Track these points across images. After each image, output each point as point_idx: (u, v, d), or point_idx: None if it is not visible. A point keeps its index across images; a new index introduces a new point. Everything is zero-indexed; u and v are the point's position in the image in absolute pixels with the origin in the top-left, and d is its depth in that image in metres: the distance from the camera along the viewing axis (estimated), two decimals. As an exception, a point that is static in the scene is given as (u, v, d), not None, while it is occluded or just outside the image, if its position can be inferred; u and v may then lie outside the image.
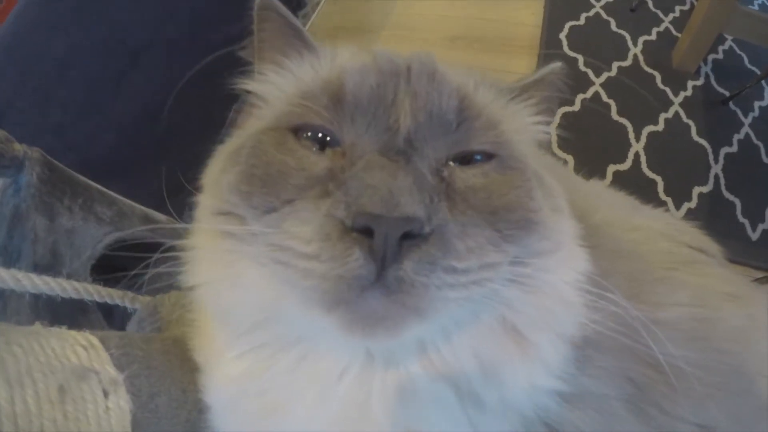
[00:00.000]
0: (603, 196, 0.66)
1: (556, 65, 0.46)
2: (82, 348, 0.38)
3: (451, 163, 0.37)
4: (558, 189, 0.43)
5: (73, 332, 0.40)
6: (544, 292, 0.37)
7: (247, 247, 0.35)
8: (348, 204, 0.30)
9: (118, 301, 0.64)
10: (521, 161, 0.39)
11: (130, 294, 0.67)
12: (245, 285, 0.36)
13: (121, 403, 0.38)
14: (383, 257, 0.29)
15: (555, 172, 0.46)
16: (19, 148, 0.71)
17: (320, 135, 0.37)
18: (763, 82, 1.75)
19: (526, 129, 0.44)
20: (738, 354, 0.47)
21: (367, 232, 0.29)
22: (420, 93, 0.37)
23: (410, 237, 0.29)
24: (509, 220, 0.35)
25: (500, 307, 0.35)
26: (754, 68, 1.81)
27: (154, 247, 0.90)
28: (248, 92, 0.48)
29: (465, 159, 0.37)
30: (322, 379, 0.37)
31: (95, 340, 0.40)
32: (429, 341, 0.36)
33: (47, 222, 0.74)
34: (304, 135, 0.37)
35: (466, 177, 0.36)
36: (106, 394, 0.37)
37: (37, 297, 0.58)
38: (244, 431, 0.40)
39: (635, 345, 0.37)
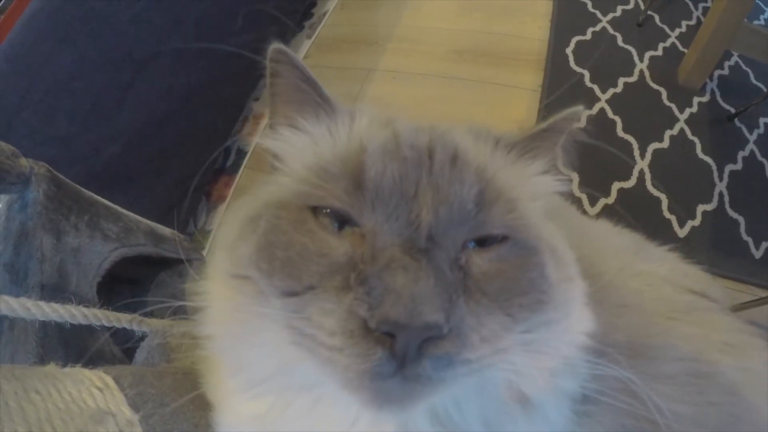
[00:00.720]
0: (609, 240, 0.66)
1: (572, 113, 0.46)
2: (97, 390, 0.40)
3: (468, 245, 0.37)
4: (569, 255, 0.43)
5: (87, 372, 0.42)
6: (548, 355, 0.38)
7: (264, 309, 0.36)
8: (371, 306, 0.31)
9: (126, 325, 0.66)
10: (536, 240, 0.39)
11: (138, 317, 0.68)
12: (262, 342, 0.37)
13: None
14: (404, 356, 0.31)
15: (563, 218, 0.47)
16: (25, 163, 0.72)
17: (341, 215, 0.38)
18: None
19: (537, 194, 0.44)
20: (732, 406, 0.48)
21: (389, 334, 0.31)
22: (442, 186, 0.37)
23: (430, 338, 0.31)
24: (522, 304, 0.36)
25: (507, 373, 0.37)
26: (759, 84, 1.81)
27: (159, 260, 0.91)
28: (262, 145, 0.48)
29: (483, 240, 0.38)
30: (336, 424, 0.38)
31: (110, 381, 0.42)
32: (440, 407, 0.38)
33: (54, 241, 0.74)
34: (324, 212, 0.38)
35: (482, 263, 0.36)
36: (123, 411, 0.40)
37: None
38: None
39: (633, 405, 0.39)
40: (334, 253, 0.35)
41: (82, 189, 0.83)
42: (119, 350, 0.75)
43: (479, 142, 0.43)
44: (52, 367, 0.40)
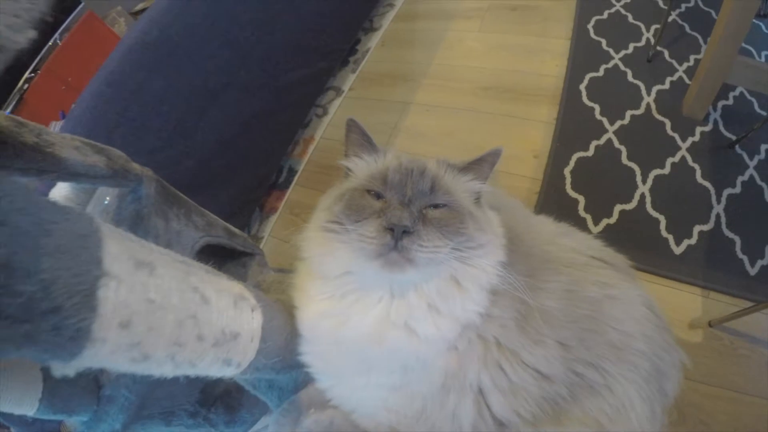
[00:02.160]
0: (542, 227, 0.92)
1: (495, 151, 0.78)
2: (238, 285, 0.72)
3: (428, 208, 0.70)
4: (491, 220, 0.77)
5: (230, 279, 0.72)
6: (473, 266, 0.70)
7: (339, 236, 0.70)
8: (387, 221, 0.65)
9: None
10: (460, 206, 0.72)
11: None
12: (336, 255, 0.70)
13: (257, 317, 0.70)
14: (397, 238, 0.64)
15: (508, 209, 0.83)
16: (137, 167, 0.90)
17: (377, 193, 0.72)
18: None
19: (466, 189, 0.77)
20: (590, 312, 0.75)
21: (392, 230, 0.64)
22: (415, 181, 0.72)
23: (406, 232, 0.64)
24: (449, 230, 0.68)
25: (450, 269, 0.69)
26: (763, 113, 1.91)
27: (226, 252, 1.12)
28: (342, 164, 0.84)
29: (434, 206, 0.71)
30: (367, 307, 0.71)
31: (242, 284, 0.73)
32: (418, 284, 0.70)
33: (164, 224, 0.93)
34: (371, 192, 0.72)
35: (433, 214, 0.70)
36: (252, 310, 0.70)
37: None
38: (321, 339, 0.74)
39: (525, 297, 0.70)
40: (375, 207, 0.70)
41: (176, 190, 1.01)
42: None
43: (439, 165, 0.77)
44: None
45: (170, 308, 0.55)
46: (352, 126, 0.79)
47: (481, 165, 0.77)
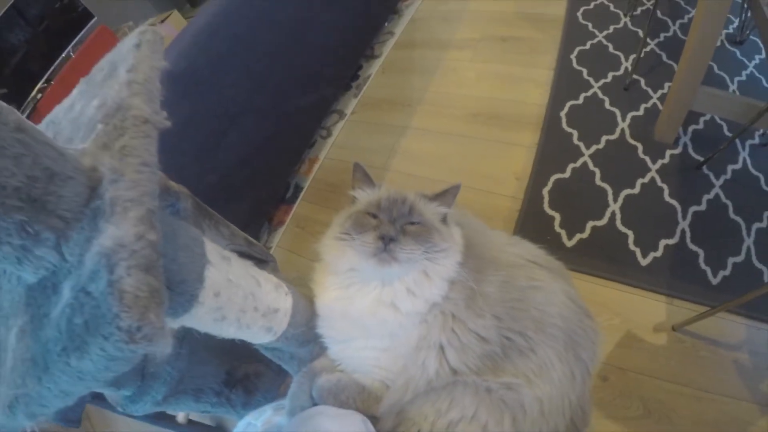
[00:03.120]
0: (495, 237, 1.13)
1: (456, 185, 1.01)
2: (275, 278, 0.97)
3: (407, 224, 0.94)
4: (454, 233, 0.99)
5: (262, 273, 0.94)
6: (438, 264, 0.93)
7: (348, 243, 0.94)
8: (380, 232, 0.90)
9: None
10: (430, 224, 0.95)
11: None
12: (345, 256, 0.94)
13: (289, 299, 0.96)
14: (386, 244, 0.89)
15: (470, 226, 1.06)
16: (173, 184, 0.99)
17: (373, 214, 0.95)
18: (738, 146, 1.97)
19: (433, 212, 0.99)
20: (519, 295, 0.97)
21: (383, 238, 0.89)
22: (399, 207, 0.96)
23: (393, 240, 0.89)
24: (422, 240, 0.92)
25: (421, 266, 0.92)
26: (731, 135, 2.01)
27: (247, 258, 1.27)
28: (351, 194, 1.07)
29: (411, 223, 0.94)
30: (366, 292, 0.94)
31: (277, 278, 0.98)
32: (400, 276, 0.93)
33: (201, 233, 0.98)
34: (369, 214, 0.96)
35: (410, 228, 0.93)
36: (286, 294, 0.96)
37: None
38: (334, 315, 0.97)
39: (471, 285, 0.93)
40: (372, 223, 0.94)
41: (205, 205, 1.13)
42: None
43: (416, 196, 1.00)
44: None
45: (240, 286, 0.82)
46: (357, 168, 1.06)
47: (446, 195, 1.02)
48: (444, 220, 1.01)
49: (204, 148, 1.77)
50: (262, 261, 1.30)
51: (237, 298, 0.80)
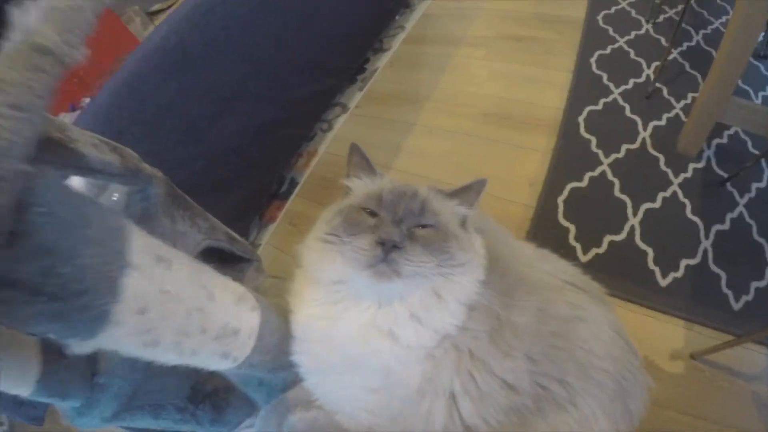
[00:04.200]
0: (521, 249, 0.98)
1: (480, 181, 0.84)
2: (243, 288, 0.80)
3: (416, 227, 0.76)
4: (474, 242, 0.83)
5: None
6: (455, 282, 0.76)
7: (336, 247, 0.76)
8: (379, 236, 0.71)
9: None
10: (445, 228, 0.78)
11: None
12: (332, 263, 0.77)
13: (255, 317, 0.77)
14: (387, 252, 0.70)
15: (492, 234, 0.88)
16: (147, 166, 0.91)
17: (372, 211, 0.78)
18: (763, 164, 1.87)
19: (451, 213, 0.82)
20: (560, 329, 0.80)
21: (383, 244, 0.70)
22: (406, 203, 0.78)
23: (395, 247, 0.70)
24: (434, 248, 0.74)
25: (432, 283, 0.75)
26: (756, 152, 1.93)
27: (229, 256, 1.15)
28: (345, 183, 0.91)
29: (422, 225, 0.77)
30: (356, 313, 0.77)
31: (245, 287, 0.80)
32: (403, 294, 0.76)
33: (170, 224, 0.96)
34: (366, 210, 0.79)
35: (420, 232, 0.76)
36: (252, 309, 0.77)
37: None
38: (312, 338, 0.80)
39: (498, 313, 0.77)
40: (369, 223, 0.76)
41: (182, 192, 1.04)
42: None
43: (429, 190, 0.83)
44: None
45: (181, 300, 0.62)
46: (354, 150, 0.88)
47: (468, 192, 0.84)
48: (464, 224, 0.83)
49: (190, 131, 1.65)
50: (245, 260, 1.18)
51: (176, 316, 0.62)
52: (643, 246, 1.72)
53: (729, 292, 1.59)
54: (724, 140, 2.00)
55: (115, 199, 0.97)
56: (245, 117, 1.84)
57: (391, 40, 2.84)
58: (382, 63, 2.72)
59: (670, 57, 2.33)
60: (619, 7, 2.69)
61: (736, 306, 1.57)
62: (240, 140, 1.83)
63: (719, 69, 1.70)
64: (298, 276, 0.86)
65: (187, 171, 1.61)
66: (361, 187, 0.86)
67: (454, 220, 0.82)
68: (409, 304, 0.75)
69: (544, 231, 1.81)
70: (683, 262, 1.66)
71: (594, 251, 1.73)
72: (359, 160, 0.87)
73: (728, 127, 2.02)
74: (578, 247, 1.74)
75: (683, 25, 2.47)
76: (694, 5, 2.60)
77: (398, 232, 0.72)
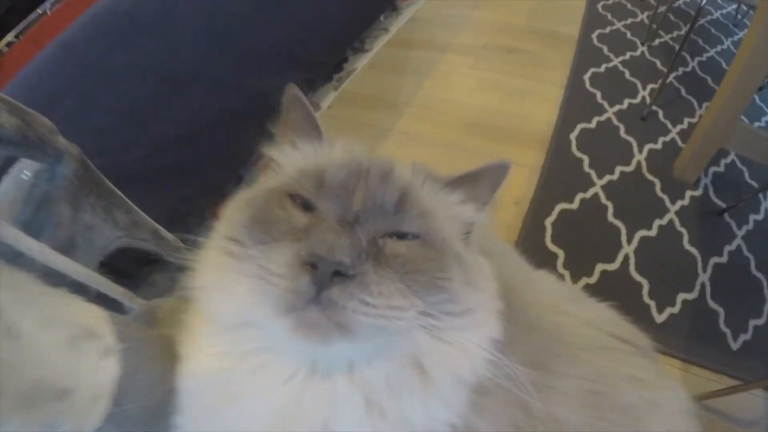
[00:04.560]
0: (546, 285, 0.73)
1: (500, 164, 0.56)
2: (93, 315, 0.47)
3: (388, 237, 0.47)
4: (482, 269, 0.53)
5: (87, 303, 0.48)
6: (451, 343, 0.46)
7: (241, 265, 0.46)
8: (308, 248, 0.41)
9: (118, 297, 0.72)
10: (442, 243, 0.49)
11: (130, 293, 0.75)
12: (233, 293, 0.47)
13: (110, 367, 0.45)
14: (322, 283, 0.40)
15: (503, 256, 0.62)
16: (62, 141, 0.77)
17: (305, 200, 0.49)
18: (760, 196, 1.82)
19: (454, 215, 0.54)
20: (625, 427, 0.54)
21: (314, 266, 0.40)
22: (371, 190, 0.48)
23: (340, 274, 0.41)
24: (418, 281, 0.44)
25: (411, 345, 0.45)
26: (753, 183, 1.88)
27: (155, 260, 0.97)
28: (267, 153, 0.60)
29: (401, 235, 0.48)
30: (273, 382, 0.47)
31: (104, 314, 0.48)
32: (356, 362, 0.46)
33: (72, 212, 0.80)
34: (295, 198, 0.49)
35: (394, 247, 0.46)
36: (105, 354, 0.45)
37: (46, 274, 0.64)
38: (201, 414, 0.50)
39: (525, 399, 0.47)
40: (297, 222, 0.47)
41: (104, 178, 0.88)
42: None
43: (415, 173, 0.54)
44: (62, 291, 0.46)
45: None
46: (292, 100, 0.58)
47: (478, 182, 0.55)
48: (467, 237, 0.55)
49: (135, 112, 1.43)
50: (172, 264, 0.98)
51: None
52: (638, 277, 1.58)
53: (727, 331, 1.49)
54: (721, 168, 1.92)
55: (25, 178, 0.81)
56: (201, 103, 1.62)
57: (373, 42, 2.68)
58: (361, 64, 2.56)
59: (666, 81, 2.24)
60: (614, 27, 2.64)
61: (735, 345, 1.46)
62: (192, 128, 1.60)
63: (731, 89, 1.61)
64: (193, 306, 0.56)
65: (126, 157, 1.38)
66: (294, 160, 0.56)
67: (455, 228, 0.53)
68: (365, 381, 0.46)
69: (529, 255, 1.61)
70: (680, 297, 1.54)
71: (584, 281, 1.58)
72: (298, 116, 0.58)
73: (725, 155, 1.95)
74: (567, 275, 1.58)
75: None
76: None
77: (349, 243, 0.42)
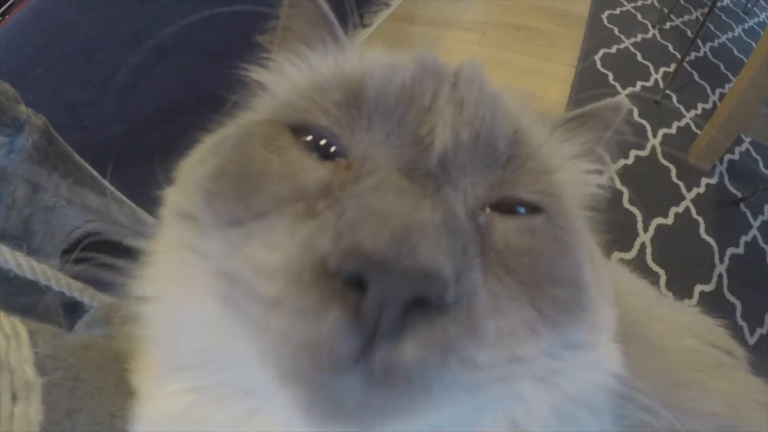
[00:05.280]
0: (629, 281, 0.61)
1: (616, 103, 0.41)
2: (3, 337, 0.32)
3: (488, 209, 0.27)
4: (604, 266, 0.35)
5: (1, 314, 0.34)
6: (568, 393, 0.28)
7: (201, 266, 0.26)
8: (339, 234, 0.20)
9: (75, 294, 0.57)
10: (574, 223, 0.31)
11: (91, 289, 0.59)
12: (188, 320, 0.28)
13: (30, 412, 0.30)
14: (375, 326, 0.19)
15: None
16: (24, 110, 0.68)
17: (324, 142, 0.28)
18: None
19: (581, 181, 0.38)
20: None
21: (358, 284, 0.19)
22: (468, 103, 0.28)
23: (422, 305, 0.20)
24: (555, 298, 0.26)
25: (514, 406, 0.26)
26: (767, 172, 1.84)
27: (132, 251, 0.85)
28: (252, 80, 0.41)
29: (505, 208, 0.28)
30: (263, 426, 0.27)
31: (23, 331, 0.33)
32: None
33: (29, 192, 0.70)
34: (305, 138, 0.28)
35: (508, 231, 0.26)
36: (14, 397, 0.30)
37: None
38: None
39: None
40: (305, 177, 0.26)
41: (75, 153, 0.78)
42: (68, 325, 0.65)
43: (521, 104, 0.36)
44: None
45: None
46: None
47: (591, 128, 0.39)
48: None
49: (113, 83, 1.29)
50: None
51: None
52: (655, 267, 1.52)
53: (744, 324, 1.44)
54: (736, 156, 1.87)
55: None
56: (189, 74, 1.47)
57: (373, 16, 2.54)
58: (359, 39, 2.42)
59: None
60: (625, 9, 2.56)
61: (751, 340, 1.42)
62: (180, 102, 1.47)
63: (748, 79, 1.56)
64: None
65: (105, 133, 1.26)
66: (299, 75, 0.36)
67: (578, 197, 0.37)
68: None
69: (540, 240, 1.57)
70: (697, 288, 1.49)
71: (600, 269, 1.50)
72: (306, 16, 0.38)
73: (740, 143, 1.90)
74: (582, 262, 1.51)
75: (690, 35, 2.40)
76: (700, 17, 2.51)
77: (439, 220, 0.21)
